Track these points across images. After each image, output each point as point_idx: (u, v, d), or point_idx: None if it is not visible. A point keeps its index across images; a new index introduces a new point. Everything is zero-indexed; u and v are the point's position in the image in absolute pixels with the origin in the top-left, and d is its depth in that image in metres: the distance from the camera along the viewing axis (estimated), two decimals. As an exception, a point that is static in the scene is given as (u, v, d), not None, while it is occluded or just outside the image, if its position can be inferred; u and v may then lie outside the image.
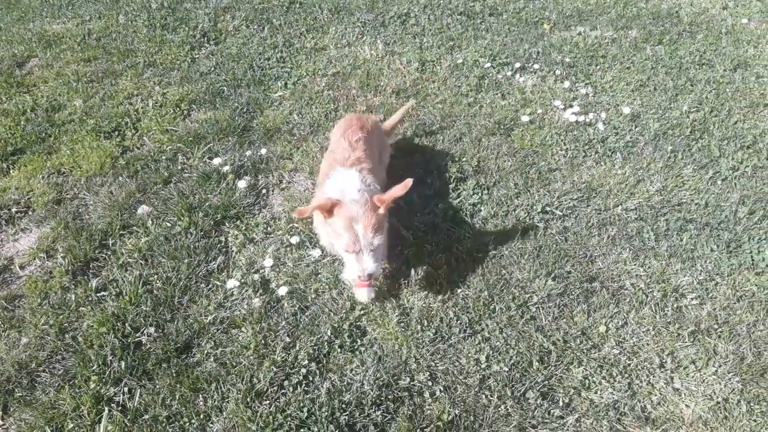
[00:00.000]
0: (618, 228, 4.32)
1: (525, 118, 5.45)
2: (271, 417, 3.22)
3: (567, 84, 6.02)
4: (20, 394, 3.46)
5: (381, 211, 3.26)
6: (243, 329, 3.70)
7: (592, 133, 5.30)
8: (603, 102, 5.78)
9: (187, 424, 3.26)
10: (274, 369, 3.49)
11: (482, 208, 4.52)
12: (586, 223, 4.37)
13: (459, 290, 3.89)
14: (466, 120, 5.47)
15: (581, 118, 5.47)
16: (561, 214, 4.45)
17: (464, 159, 4.98)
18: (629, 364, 3.49)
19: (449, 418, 3.25)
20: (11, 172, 5.09)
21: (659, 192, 4.64)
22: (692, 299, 3.81)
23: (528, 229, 4.32)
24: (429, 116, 5.55)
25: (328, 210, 3.23)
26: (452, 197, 4.58)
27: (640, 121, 5.48)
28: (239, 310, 3.82)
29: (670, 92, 5.90)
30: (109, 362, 3.55)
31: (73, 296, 3.95)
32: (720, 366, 3.45)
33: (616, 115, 5.57)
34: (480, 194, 4.60)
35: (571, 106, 5.68)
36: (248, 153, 5.15)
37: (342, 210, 3.21)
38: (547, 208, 4.48)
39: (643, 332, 3.65)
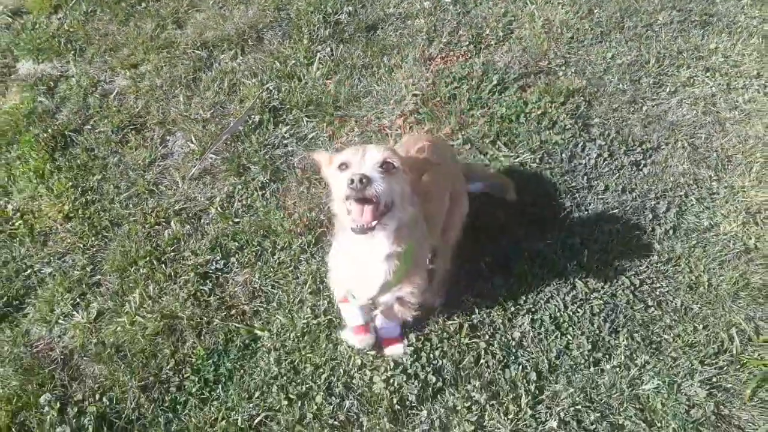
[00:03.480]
0: (743, -18, 4.95)
1: None
2: (440, 73, 4.32)
3: None
4: (252, 43, 4.71)
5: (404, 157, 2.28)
6: (417, 19, 4.76)
7: None
8: None
9: (377, 71, 4.41)
10: (441, 45, 4.55)
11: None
12: (714, -24, 5.02)
13: (596, 10, 4.75)
14: None
15: None
16: (692, -32, 5.11)
17: None
18: (729, 71, 4.32)
19: (576, 87, 4.22)
20: None
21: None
22: (799, 36, 4.52)
23: (660, -24, 5.03)
24: None
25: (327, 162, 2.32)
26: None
27: None
28: (414, 8, 4.85)
29: None
30: (315, 30, 4.70)
31: (284, -15, 5.08)
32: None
33: None
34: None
35: None
36: None
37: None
38: (681, -38, 5.14)
39: (747, 54, 4.44)
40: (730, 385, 2.87)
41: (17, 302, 3.35)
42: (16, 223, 3.64)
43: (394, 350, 2.96)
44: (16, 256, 3.51)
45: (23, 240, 3.58)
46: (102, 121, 4.18)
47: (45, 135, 4.02)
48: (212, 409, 2.87)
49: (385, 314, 2.79)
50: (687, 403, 2.80)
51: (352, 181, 1.99)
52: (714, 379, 2.87)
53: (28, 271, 3.47)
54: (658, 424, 2.74)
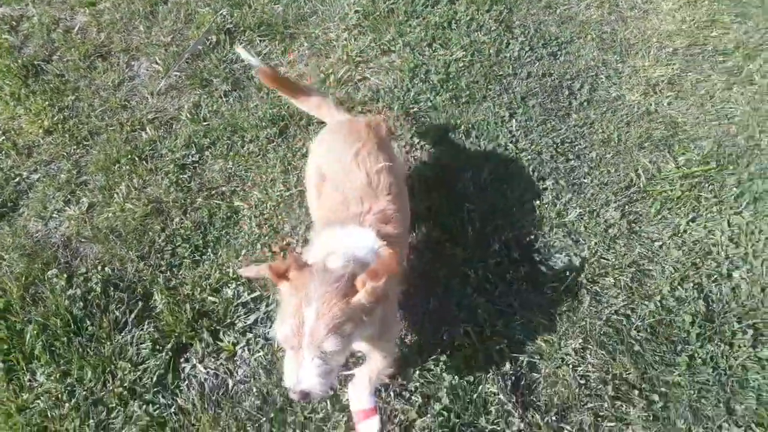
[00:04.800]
0: None
1: None
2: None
3: None
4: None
5: (357, 298, 1.93)
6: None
7: None
8: None
9: (320, -6, 4.89)
10: (376, -30, 5.04)
11: None
12: None
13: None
14: None
15: None
16: None
17: None
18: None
19: (498, -3, 4.80)
20: None
21: None
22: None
23: None
24: None
25: (281, 273, 1.99)
26: None
27: None
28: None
29: None
30: (260, -36, 5.12)
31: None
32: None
33: None
34: None
35: None
36: None
37: (298, 277, 1.97)
38: None
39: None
40: (639, 209, 3.48)
41: (11, 204, 3.69)
42: (0, 140, 3.95)
43: (368, 427, 2.60)
44: (3, 167, 3.85)
45: (9, 153, 3.91)
46: (68, 52, 4.51)
47: (15, 65, 4.32)
48: (205, 266, 3.31)
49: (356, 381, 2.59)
50: (605, 224, 3.41)
51: (291, 390, 1.94)
52: (626, 207, 3.48)
53: (17, 178, 3.81)
54: (582, 241, 3.33)
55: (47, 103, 4.10)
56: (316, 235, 2.45)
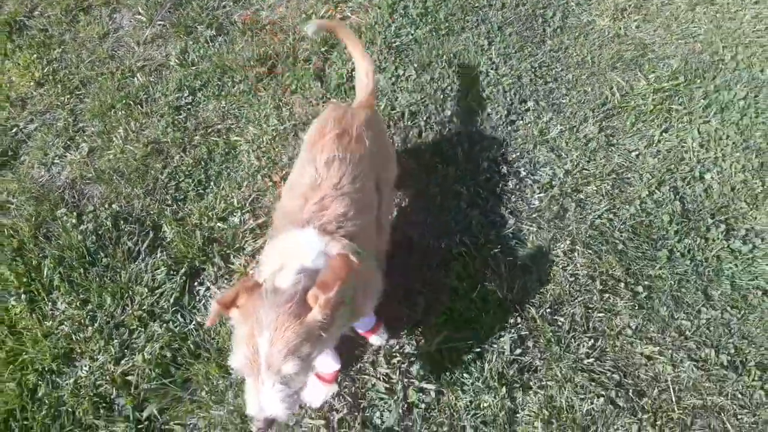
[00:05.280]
0: None
1: None
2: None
3: None
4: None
5: (312, 316, 1.81)
6: None
7: None
8: None
9: (295, -60, 4.96)
10: None
11: None
12: None
13: None
14: None
15: None
16: None
17: None
18: None
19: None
20: None
21: None
22: None
23: None
24: None
25: (230, 303, 1.85)
26: None
27: None
28: None
29: None
30: None
31: None
32: None
33: None
34: None
35: None
36: None
37: (247, 303, 1.84)
38: None
39: None
40: (615, 123, 3.70)
41: (11, 153, 3.78)
42: (-8, 94, 4.02)
43: (377, 340, 2.88)
44: (-1, 120, 3.92)
45: (3, 106, 3.98)
46: (49, 7, 4.56)
47: (-2, 22, 4.36)
48: (209, 198, 3.46)
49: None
50: (585, 139, 3.62)
51: (255, 418, 1.81)
52: (603, 122, 3.70)
53: (14, 129, 3.89)
54: (565, 155, 3.55)
55: (35, 56, 4.16)
56: (266, 250, 2.28)
